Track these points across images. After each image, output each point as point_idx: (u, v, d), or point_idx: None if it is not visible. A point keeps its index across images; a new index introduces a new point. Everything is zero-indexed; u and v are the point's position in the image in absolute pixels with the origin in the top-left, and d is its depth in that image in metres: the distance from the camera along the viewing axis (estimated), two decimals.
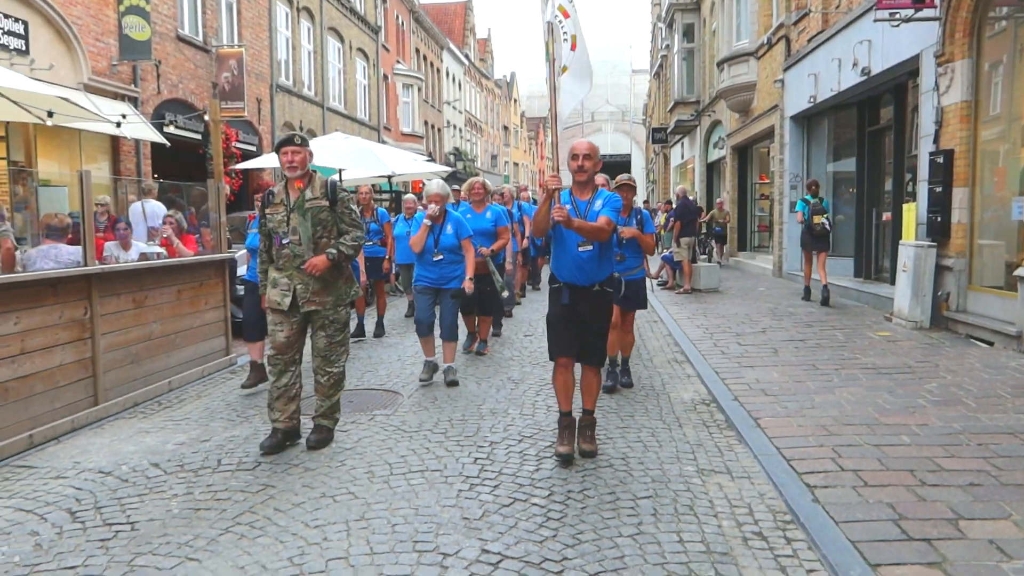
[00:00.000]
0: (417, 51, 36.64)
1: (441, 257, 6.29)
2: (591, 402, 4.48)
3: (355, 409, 5.52)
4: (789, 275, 14.48)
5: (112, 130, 10.21)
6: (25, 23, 11.27)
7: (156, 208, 9.65)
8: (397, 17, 33.01)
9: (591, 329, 4.33)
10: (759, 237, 19.59)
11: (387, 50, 30.97)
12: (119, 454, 4.52)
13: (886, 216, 11.40)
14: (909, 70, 9.67)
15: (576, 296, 4.27)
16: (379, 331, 8.85)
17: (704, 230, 16.83)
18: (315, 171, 4.65)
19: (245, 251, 7.37)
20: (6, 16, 10.90)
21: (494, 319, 8.34)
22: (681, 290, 12.66)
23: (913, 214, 8.96)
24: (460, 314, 7.06)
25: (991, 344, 7.29)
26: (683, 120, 25.87)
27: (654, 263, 13.54)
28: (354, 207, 4.69)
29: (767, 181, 18.04)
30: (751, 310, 10.32)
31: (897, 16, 8.52)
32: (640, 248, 5.92)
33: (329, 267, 4.46)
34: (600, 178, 5.39)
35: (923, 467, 4.00)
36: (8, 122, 10.33)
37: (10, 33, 10.96)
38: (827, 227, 10.53)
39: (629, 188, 5.91)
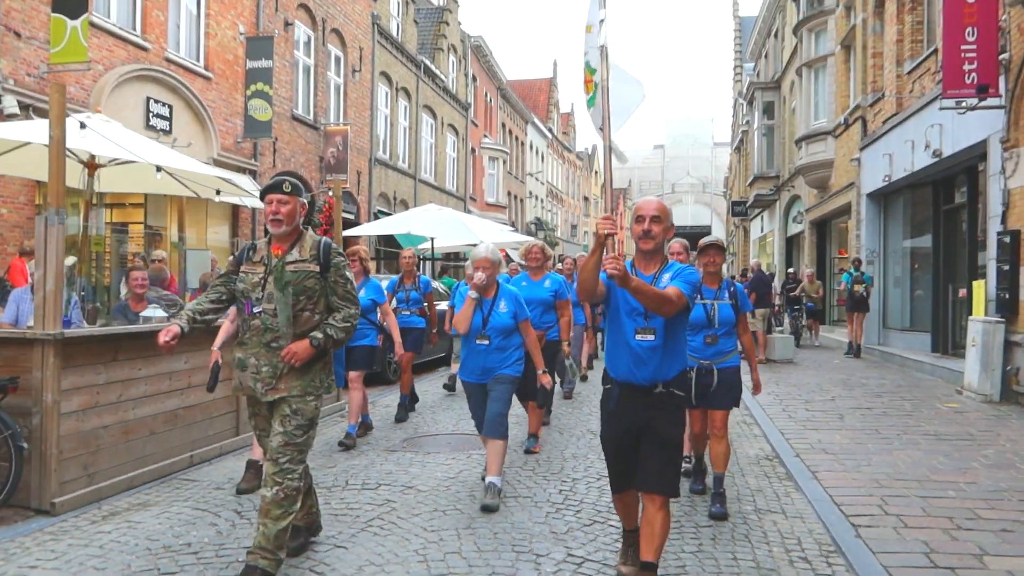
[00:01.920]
0: (503, 125, 38.47)
1: (488, 342, 4.91)
2: (652, 552, 3.19)
3: (454, 448, 6.30)
4: (868, 348, 14.66)
5: (241, 201, 11.58)
6: (170, 107, 12.96)
7: None
8: (486, 94, 34.93)
9: (653, 441, 3.25)
10: (838, 311, 19.71)
11: (475, 125, 32.75)
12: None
13: (962, 292, 11.64)
14: (978, 153, 10.11)
15: (632, 400, 3.29)
16: (401, 414, 7.68)
17: (795, 305, 16.17)
18: (306, 229, 3.79)
19: None
20: (156, 101, 12.60)
21: (546, 407, 6.65)
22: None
23: (982, 291, 9.29)
24: (520, 402, 6.19)
25: None
26: (762, 194, 26.38)
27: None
28: (350, 275, 3.77)
29: (845, 255, 18.31)
30: (823, 380, 10.68)
31: (963, 104, 9.07)
32: (735, 330, 4.87)
33: (312, 355, 3.57)
34: (677, 244, 4.77)
35: (962, 515, 4.46)
36: (148, 193, 11.88)
37: (158, 116, 12.63)
38: (864, 295, 13.41)
39: (717, 250, 4.80)
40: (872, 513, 4.52)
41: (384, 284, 7.46)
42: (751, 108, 28.26)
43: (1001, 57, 8.83)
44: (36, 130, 6.48)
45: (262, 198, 3.72)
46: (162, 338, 3.54)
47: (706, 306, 4.73)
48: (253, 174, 15.17)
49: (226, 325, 4.54)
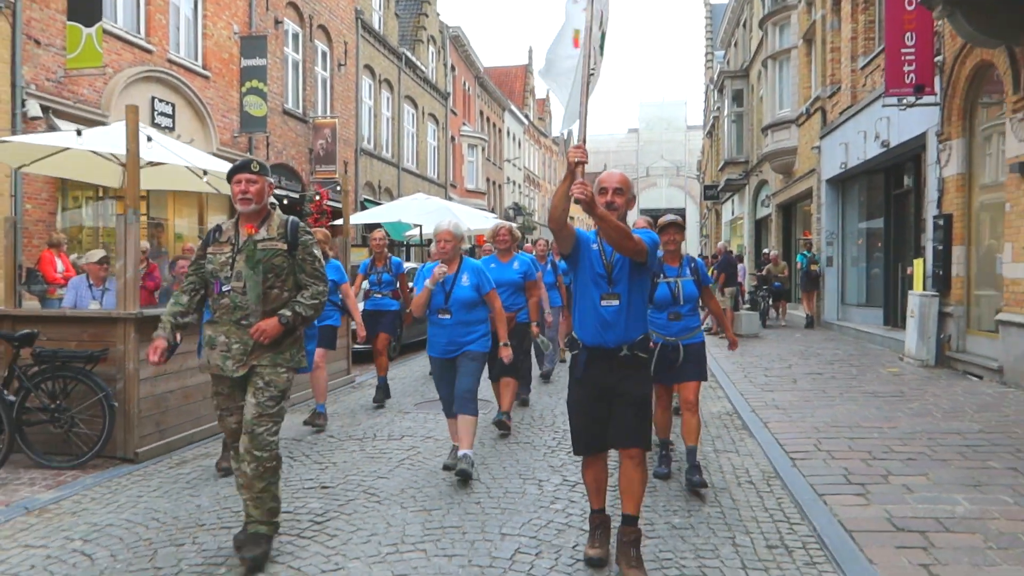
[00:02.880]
0: (481, 113, 39.24)
1: (449, 315, 5.00)
2: (633, 505, 3.45)
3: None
4: (826, 323, 15.83)
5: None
6: (173, 105, 13.70)
7: None
8: (464, 83, 35.66)
9: (624, 400, 3.43)
10: (797, 291, 20.91)
11: (455, 114, 33.51)
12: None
13: (909, 270, 12.76)
14: (920, 144, 11.20)
15: (599, 363, 3.48)
16: (379, 396, 7.63)
17: (763, 286, 17.16)
18: (273, 207, 3.87)
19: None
20: (160, 100, 13.33)
21: (521, 383, 7.21)
22: (722, 335, 14.15)
23: (921, 268, 10.41)
24: (492, 383, 6.48)
25: (980, 378, 8.67)
26: (732, 179, 27.50)
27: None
28: (317, 252, 3.83)
29: (810, 236, 19.46)
30: (783, 351, 11.79)
31: (904, 101, 10.13)
32: (698, 307, 5.01)
33: (280, 332, 3.66)
34: (641, 220, 5.09)
35: (879, 450, 5.52)
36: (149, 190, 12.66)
37: (162, 114, 13.37)
38: (818, 274, 15.72)
39: (676, 228, 4.89)
40: (807, 450, 5.56)
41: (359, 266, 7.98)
42: (721, 95, 29.32)
43: (936, 59, 9.89)
44: (66, 138, 7.34)
45: (230, 179, 3.75)
46: (152, 358, 3.66)
47: (670, 284, 4.83)
48: None
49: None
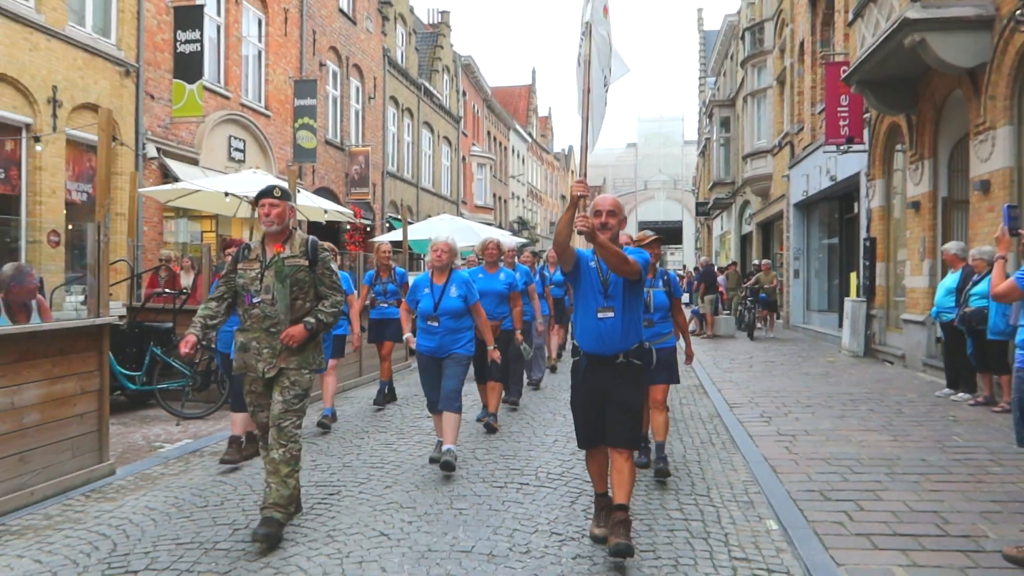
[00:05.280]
0: (488, 133, 42.02)
1: (438, 323, 5.46)
2: (623, 495, 3.79)
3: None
4: (794, 327, 18.52)
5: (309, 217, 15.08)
6: (244, 141, 16.43)
7: None
8: (474, 106, 38.46)
9: (617, 406, 3.80)
10: (780, 298, 23.60)
11: (465, 135, 36.28)
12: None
13: None
14: (857, 180, 13.91)
15: (598, 369, 3.86)
16: (379, 398, 8.12)
17: (749, 297, 17.54)
18: (295, 228, 4.36)
19: None
20: (235, 138, 16.06)
21: (511, 388, 7.86)
22: (705, 335, 16.85)
23: (855, 280, 13.11)
24: (477, 385, 7.06)
25: (892, 363, 11.34)
26: (720, 198, 30.24)
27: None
28: (334, 267, 4.37)
29: (784, 251, 22.18)
30: (749, 348, 14.47)
31: (840, 149, 12.85)
32: (669, 316, 5.39)
33: (306, 338, 4.15)
34: (623, 237, 5.25)
35: (793, 404, 8.17)
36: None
37: (236, 149, 16.09)
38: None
39: (658, 244, 5.41)
40: (743, 403, 8.21)
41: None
42: (711, 122, 32.08)
43: (865, 116, 12.61)
44: (199, 180, 10.04)
45: (255, 203, 4.26)
46: (183, 350, 4.19)
47: (643, 293, 4.93)
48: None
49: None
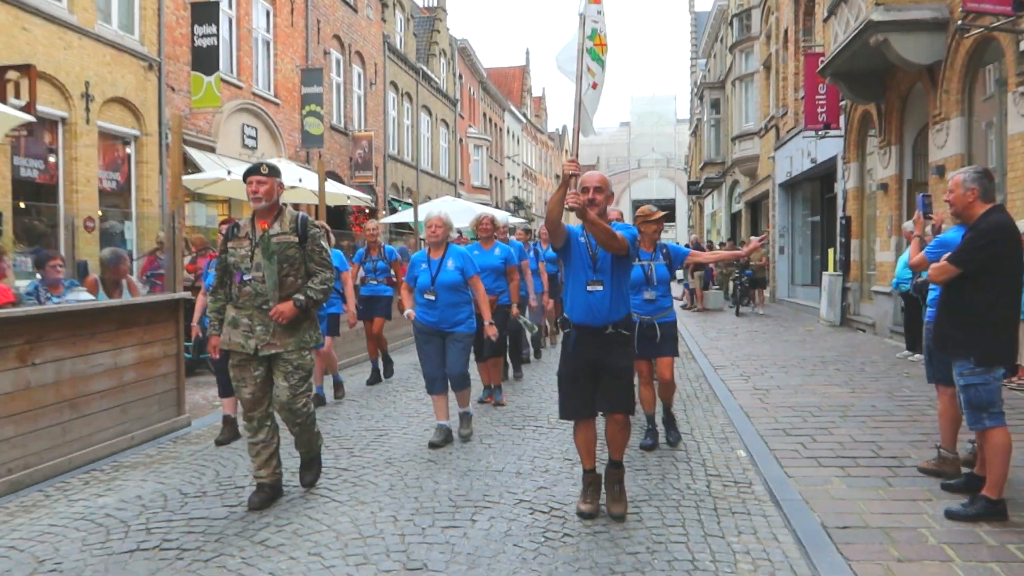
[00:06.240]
0: (484, 115, 42.75)
1: (435, 297, 5.48)
2: (617, 452, 4.05)
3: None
4: (780, 300, 19.57)
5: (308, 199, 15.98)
6: (256, 129, 17.27)
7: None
8: (470, 89, 39.18)
9: (610, 371, 3.94)
10: (767, 273, 24.65)
11: (462, 117, 37.04)
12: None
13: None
14: (834, 163, 14.88)
15: (588, 340, 3.98)
16: (373, 377, 8.20)
17: (739, 275, 17.56)
18: (285, 205, 4.33)
19: None
20: (248, 126, 16.90)
21: (513, 360, 8.03)
22: (696, 309, 17.89)
23: (833, 255, 14.13)
24: (478, 364, 7.01)
25: (864, 331, 12.38)
26: (711, 177, 31.19)
27: (676, 289, 18.72)
28: (325, 244, 4.36)
29: (770, 228, 23.19)
30: (737, 320, 15.51)
31: (818, 134, 13.81)
32: (670, 290, 5.53)
33: (296, 314, 4.16)
34: (614, 212, 5.41)
35: (769, 366, 9.19)
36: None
37: (249, 137, 16.93)
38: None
39: (658, 220, 5.46)
40: (726, 366, 9.23)
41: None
42: (702, 103, 32.93)
43: (841, 103, 13.55)
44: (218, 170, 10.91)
45: (245, 179, 4.20)
46: (213, 355, 4.49)
47: (644, 267, 5.32)
48: None
49: (200, 300, 5.83)
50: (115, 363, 5.52)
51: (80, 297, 6.08)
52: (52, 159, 11.71)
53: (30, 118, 7.53)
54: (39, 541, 3.73)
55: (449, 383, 5.63)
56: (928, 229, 4.64)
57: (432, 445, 5.42)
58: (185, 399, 6.37)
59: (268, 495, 4.23)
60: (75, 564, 3.44)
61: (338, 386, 7.42)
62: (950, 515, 3.89)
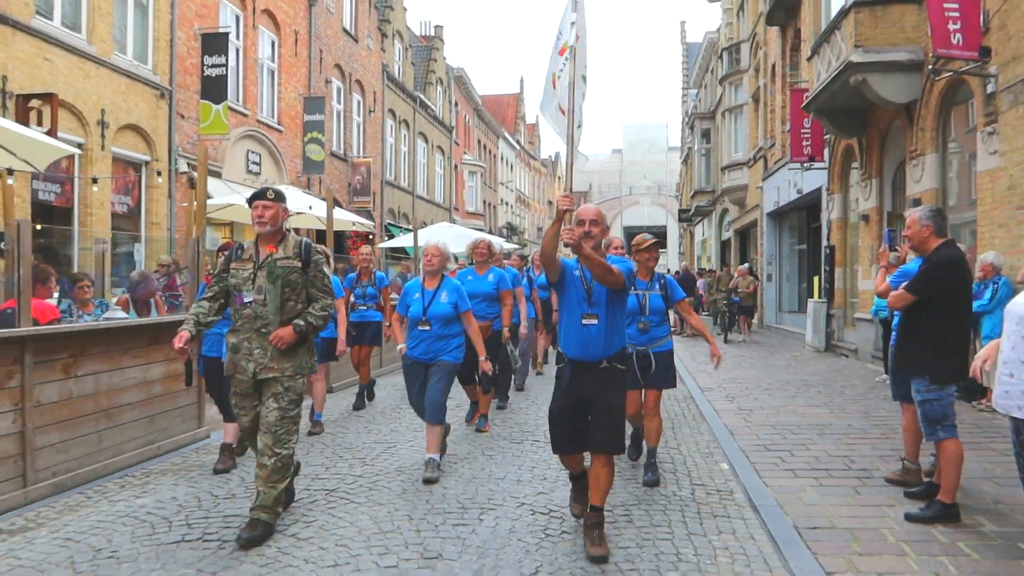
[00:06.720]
0: (479, 141, 43.50)
1: (428, 328, 5.46)
2: (599, 497, 3.94)
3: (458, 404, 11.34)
4: (768, 326, 20.08)
5: (311, 224, 16.45)
6: (260, 155, 17.78)
7: None
8: (465, 116, 39.93)
9: (601, 408, 3.89)
10: (755, 301, 25.20)
11: (457, 144, 37.72)
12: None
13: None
14: (819, 194, 15.47)
15: (582, 375, 3.95)
16: (359, 402, 8.19)
17: (727, 301, 17.77)
18: (288, 230, 4.36)
19: None
20: (252, 152, 17.41)
21: (499, 390, 7.98)
22: (686, 334, 18.37)
23: (818, 282, 14.66)
24: (462, 385, 6.98)
25: (847, 356, 12.87)
26: (702, 206, 31.84)
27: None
28: (327, 270, 4.41)
29: (759, 256, 23.77)
30: (725, 346, 15.97)
31: (803, 166, 14.39)
32: (665, 319, 5.45)
33: (295, 339, 4.16)
34: (617, 239, 5.74)
35: (752, 386, 9.66)
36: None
37: (253, 163, 17.43)
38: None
39: (655, 248, 5.35)
40: (713, 388, 9.69)
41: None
42: (692, 132, 33.70)
43: (826, 137, 14.16)
44: (223, 194, 11.37)
45: (250, 204, 4.25)
46: (176, 344, 4.07)
47: (638, 296, 5.25)
48: None
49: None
50: (145, 377, 5.94)
51: (115, 315, 6.48)
52: (68, 184, 12.18)
53: (75, 151, 7.88)
54: (92, 534, 4.14)
55: (427, 413, 5.45)
56: (892, 258, 5.13)
57: (428, 482, 5.19)
58: (205, 412, 6.77)
59: (262, 532, 4.01)
60: (129, 552, 3.85)
61: (317, 424, 7.02)
62: (909, 518, 4.34)
